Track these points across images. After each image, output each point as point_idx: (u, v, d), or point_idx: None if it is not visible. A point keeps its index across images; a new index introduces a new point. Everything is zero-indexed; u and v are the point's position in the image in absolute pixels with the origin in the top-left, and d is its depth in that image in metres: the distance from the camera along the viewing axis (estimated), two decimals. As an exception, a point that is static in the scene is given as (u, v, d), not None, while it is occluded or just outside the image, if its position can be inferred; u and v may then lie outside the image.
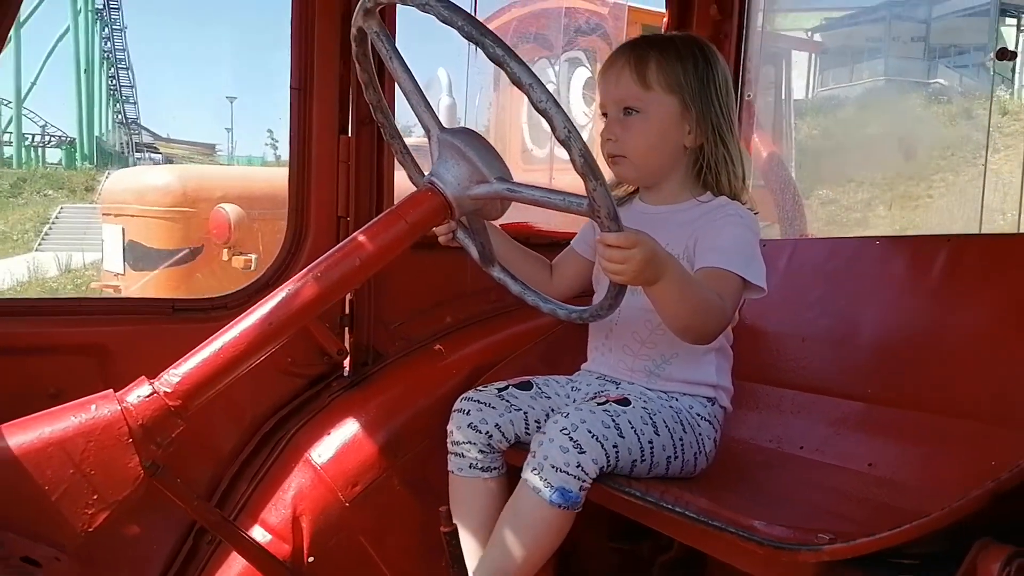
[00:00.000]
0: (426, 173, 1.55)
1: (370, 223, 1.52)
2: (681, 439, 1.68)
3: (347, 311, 2.16)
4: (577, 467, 1.52)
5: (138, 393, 1.37)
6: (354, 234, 1.49)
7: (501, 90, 6.70)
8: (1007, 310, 1.79)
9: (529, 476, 1.56)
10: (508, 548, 1.58)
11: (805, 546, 1.20)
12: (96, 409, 1.34)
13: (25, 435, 1.31)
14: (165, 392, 1.36)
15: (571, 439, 1.53)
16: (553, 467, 1.52)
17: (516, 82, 1.29)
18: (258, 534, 1.95)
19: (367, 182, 2.13)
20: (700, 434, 1.73)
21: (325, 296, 1.46)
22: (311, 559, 1.94)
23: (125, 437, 1.33)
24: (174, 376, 1.38)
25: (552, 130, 1.30)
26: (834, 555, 1.18)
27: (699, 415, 1.74)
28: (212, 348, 1.40)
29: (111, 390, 1.39)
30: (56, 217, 24.62)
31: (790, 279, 2.23)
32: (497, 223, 1.82)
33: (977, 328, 1.82)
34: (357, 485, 1.99)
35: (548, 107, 1.28)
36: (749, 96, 2.52)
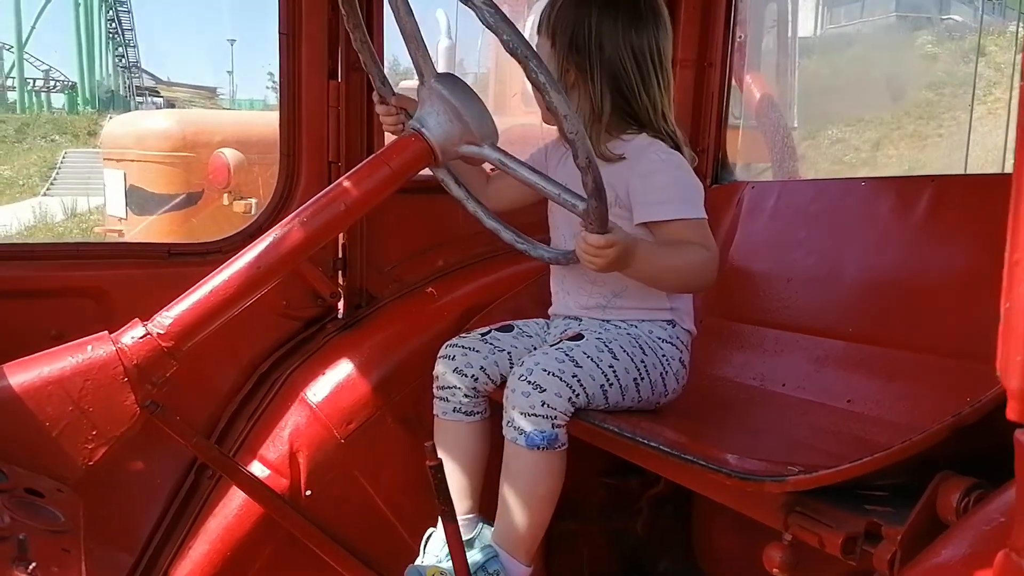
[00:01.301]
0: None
1: (355, 169, 1.55)
2: (643, 361, 1.73)
3: (340, 255, 2.20)
4: (543, 406, 1.58)
5: (132, 334, 1.42)
6: (339, 179, 1.52)
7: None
8: (988, 249, 1.78)
9: (506, 431, 1.64)
10: (512, 505, 1.66)
11: (770, 477, 1.25)
12: (92, 350, 1.40)
13: (26, 374, 1.37)
14: (158, 333, 1.41)
15: (529, 382, 1.59)
16: (522, 414, 1.59)
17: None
18: (257, 469, 2.02)
19: (357, 127, 2.15)
20: (663, 355, 1.77)
21: (312, 240, 1.49)
22: (308, 493, 2.02)
23: (121, 376, 1.38)
24: (166, 318, 1.42)
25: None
26: (797, 486, 1.23)
27: (659, 338, 1.78)
28: (203, 291, 1.44)
29: (106, 332, 1.44)
30: (61, 162, 24.56)
31: (776, 221, 2.25)
32: None
33: (958, 267, 1.84)
34: (351, 423, 2.05)
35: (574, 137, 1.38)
36: (740, 37, 2.51)
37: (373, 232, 2.21)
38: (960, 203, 1.91)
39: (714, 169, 2.56)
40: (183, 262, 2.07)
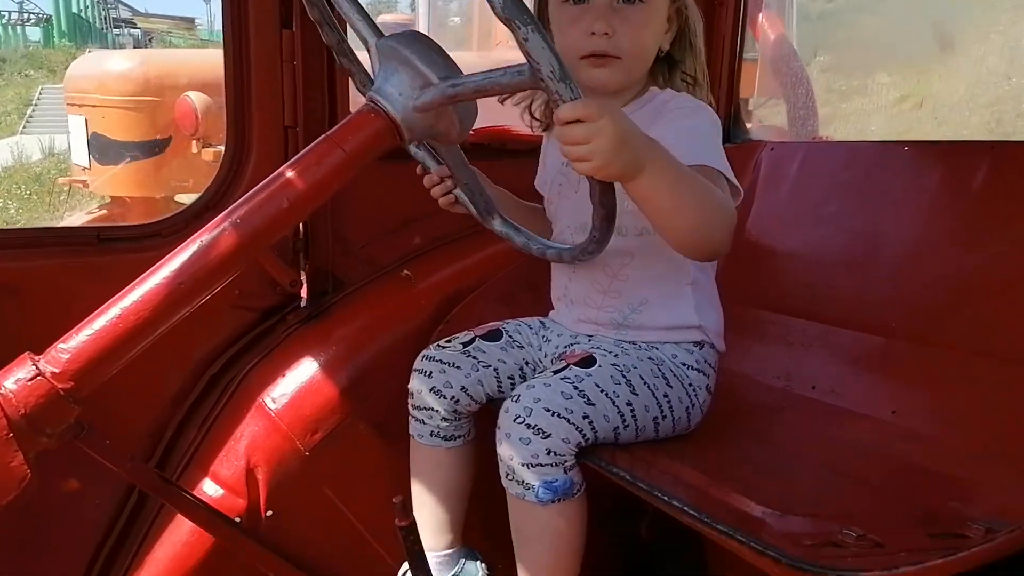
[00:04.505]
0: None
1: (300, 154, 1.24)
2: (666, 395, 1.44)
3: (301, 235, 1.90)
4: (548, 454, 1.31)
5: (17, 376, 1.11)
6: (280, 169, 1.22)
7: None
8: (1059, 232, 1.55)
9: (506, 484, 1.37)
10: (531, 568, 1.41)
11: (813, 566, 0.98)
12: (-33, 398, 1.10)
13: None
14: (52, 373, 1.11)
15: (528, 426, 1.30)
16: (523, 465, 1.31)
17: None
18: (209, 488, 1.76)
19: (317, 84, 1.83)
20: (690, 384, 1.48)
21: (248, 247, 1.20)
22: (269, 513, 1.76)
23: (4, 432, 1.09)
24: (62, 353, 1.13)
25: None
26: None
27: (685, 364, 1.48)
28: (108, 316, 1.14)
29: None
30: (37, 98, 23.79)
31: (801, 189, 1.97)
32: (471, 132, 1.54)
33: (1022, 253, 1.57)
34: (317, 432, 1.79)
35: None
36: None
37: (339, 207, 1.91)
38: (1025, 175, 1.63)
39: (726, 125, 2.25)
40: (116, 248, 1.77)
